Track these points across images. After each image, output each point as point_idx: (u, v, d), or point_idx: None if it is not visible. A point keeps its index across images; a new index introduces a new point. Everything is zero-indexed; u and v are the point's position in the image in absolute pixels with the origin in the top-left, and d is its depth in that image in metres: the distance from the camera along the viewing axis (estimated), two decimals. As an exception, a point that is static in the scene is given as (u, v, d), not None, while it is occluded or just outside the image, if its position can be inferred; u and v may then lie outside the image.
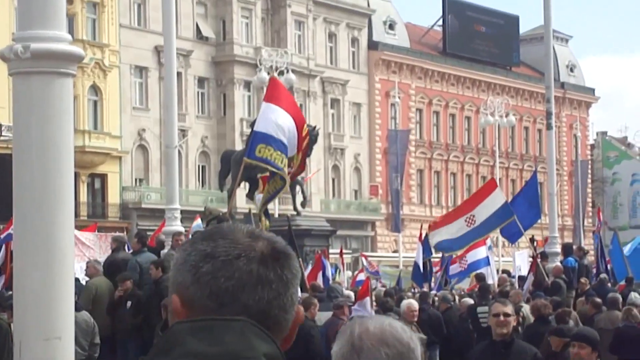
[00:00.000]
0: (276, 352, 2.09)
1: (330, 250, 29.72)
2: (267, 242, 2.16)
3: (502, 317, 8.45)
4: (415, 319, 14.72)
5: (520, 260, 30.42)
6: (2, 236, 18.22)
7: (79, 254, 20.02)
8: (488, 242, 26.97)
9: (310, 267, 21.86)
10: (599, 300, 17.31)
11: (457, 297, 21.58)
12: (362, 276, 28.49)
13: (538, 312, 13.91)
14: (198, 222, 19.61)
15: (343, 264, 31.70)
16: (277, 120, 16.41)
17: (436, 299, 20.86)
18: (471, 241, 22.21)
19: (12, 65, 5.06)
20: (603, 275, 22.36)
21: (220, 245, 2.13)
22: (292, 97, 17.86)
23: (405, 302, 15.22)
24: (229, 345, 2.06)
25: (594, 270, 23.56)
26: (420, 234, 26.60)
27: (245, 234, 2.16)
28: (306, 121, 18.07)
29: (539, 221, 25.59)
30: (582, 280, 20.91)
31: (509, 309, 8.58)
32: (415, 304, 15.19)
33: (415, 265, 25.78)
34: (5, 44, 5.67)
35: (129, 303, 14.65)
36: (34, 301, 4.93)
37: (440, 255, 25.80)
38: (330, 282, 21.52)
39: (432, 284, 25.27)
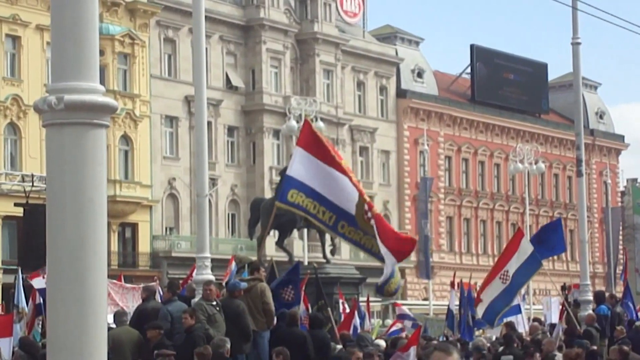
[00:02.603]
0: None
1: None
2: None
3: None
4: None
5: (553, 308, 30.15)
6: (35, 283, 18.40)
7: (112, 303, 20.04)
8: (523, 290, 26.63)
9: (342, 316, 21.71)
10: (626, 348, 17.28)
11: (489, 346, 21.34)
12: (398, 325, 28.22)
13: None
14: (233, 265, 19.36)
15: (369, 312, 31.46)
16: (313, 172, 15.93)
17: (469, 346, 20.63)
18: (509, 302, 21.42)
19: (46, 117, 5.07)
20: (639, 323, 22.11)
21: None
22: (324, 143, 17.02)
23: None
24: None
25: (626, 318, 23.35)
26: (453, 281, 26.42)
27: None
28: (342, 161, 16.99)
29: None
30: (619, 328, 20.77)
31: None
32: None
33: (449, 311, 25.67)
34: (38, 95, 5.71)
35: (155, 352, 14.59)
36: (67, 351, 4.93)
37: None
38: (359, 330, 21.39)
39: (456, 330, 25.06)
